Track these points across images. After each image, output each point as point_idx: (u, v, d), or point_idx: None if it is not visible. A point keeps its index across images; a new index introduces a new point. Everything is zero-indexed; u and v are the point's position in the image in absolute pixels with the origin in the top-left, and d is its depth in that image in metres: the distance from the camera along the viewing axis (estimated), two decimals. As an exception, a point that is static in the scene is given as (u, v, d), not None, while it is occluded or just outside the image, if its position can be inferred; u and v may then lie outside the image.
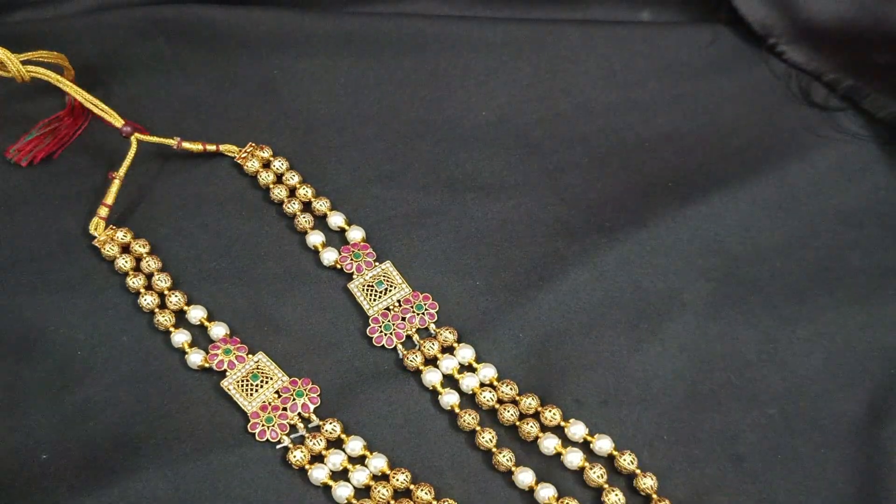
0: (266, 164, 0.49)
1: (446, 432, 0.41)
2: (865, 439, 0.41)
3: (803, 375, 0.43)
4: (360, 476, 0.40)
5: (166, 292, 0.45)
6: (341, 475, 0.40)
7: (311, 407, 0.41)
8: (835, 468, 0.40)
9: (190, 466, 0.39)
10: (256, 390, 0.42)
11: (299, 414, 0.41)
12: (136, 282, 0.45)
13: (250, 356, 0.43)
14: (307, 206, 0.48)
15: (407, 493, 0.39)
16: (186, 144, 0.48)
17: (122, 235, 0.46)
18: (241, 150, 0.49)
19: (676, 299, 0.45)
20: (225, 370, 0.42)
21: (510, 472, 0.40)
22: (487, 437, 0.40)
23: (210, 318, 0.44)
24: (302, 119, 0.51)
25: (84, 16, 0.52)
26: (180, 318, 0.44)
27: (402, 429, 0.41)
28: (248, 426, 0.41)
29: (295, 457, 0.40)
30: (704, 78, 0.54)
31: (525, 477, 0.39)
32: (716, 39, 0.56)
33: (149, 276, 0.45)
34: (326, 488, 0.39)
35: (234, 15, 0.52)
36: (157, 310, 0.44)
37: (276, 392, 0.42)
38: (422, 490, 0.39)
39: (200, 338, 0.44)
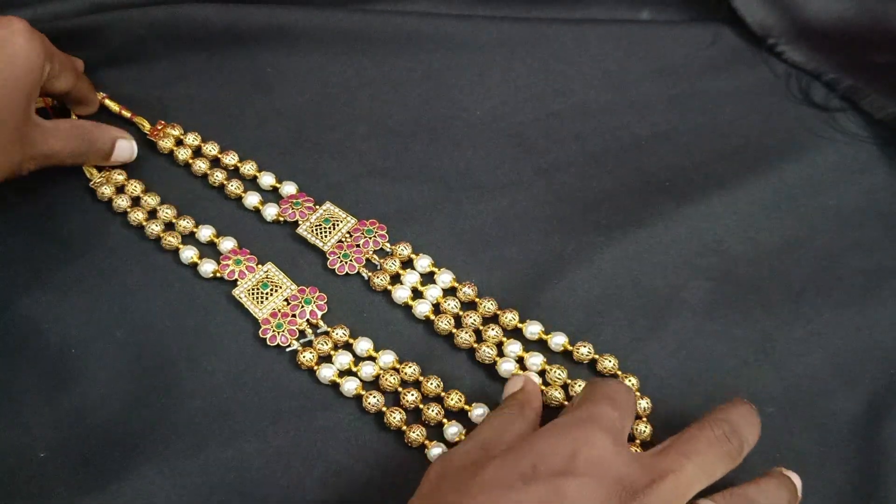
0: (179, 142, 0.51)
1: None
2: (864, 439, 0.42)
3: (801, 375, 0.44)
4: (368, 369, 0.43)
5: (174, 220, 0.48)
6: (349, 373, 0.43)
7: (319, 314, 0.45)
8: (833, 467, 0.41)
9: (187, 462, 0.40)
10: (266, 298, 0.45)
11: (308, 320, 0.45)
12: (138, 215, 0.48)
13: (259, 266, 0.46)
14: (234, 173, 0.51)
15: (416, 384, 0.43)
16: (108, 101, 0.52)
17: (118, 175, 0.49)
18: (152, 128, 0.52)
19: (674, 298, 0.46)
20: (236, 280, 0.46)
21: (494, 364, 0.44)
22: (465, 337, 0.44)
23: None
24: (295, 116, 0.53)
25: (79, 17, 0.53)
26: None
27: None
28: (260, 332, 0.44)
29: (305, 357, 0.43)
30: (703, 77, 0.55)
31: (508, 366, 0.43)
32: (716, 39, 0.57)
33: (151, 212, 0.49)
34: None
35: (227, 13, 0.53)
36: (162, 233, 0.47)
37: (286, 300, 0.45)
38: (431, 382, 0.42)
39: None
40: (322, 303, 0.45)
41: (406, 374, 0.43)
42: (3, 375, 0.43)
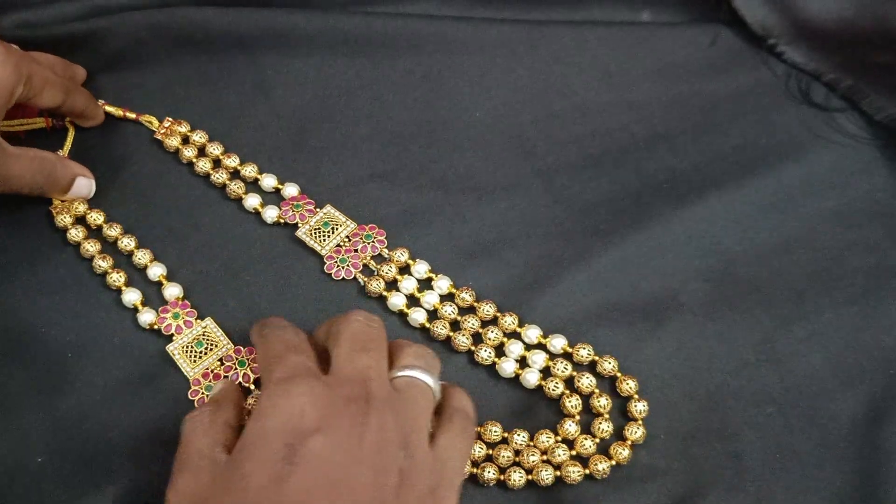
0: (186, 139, 0.52)
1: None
2: (864, 439, 0.42)
3: (801, 375, 0.44)
4: None
5: (135, 251, 0.47)
6: None
7: (252, 377, 0.43)
8: (833, 467, 0.41)
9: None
10: (201, 357, 0.44)
11: (240, 383, 0.43)
12: (91, 247, 0.47)
13: (198, 321, 0.45)
14: (235, 174, 0.51)
15: None
16: (108, 108, 0.52)
17: (77, 206, 0.49)
18: (160, 125, 0.52)
19: (674, 300, 0.46)
20: (172, 334, 0.45)
21: (493, 365, 0.44)
22: (462, 340, 0.44)
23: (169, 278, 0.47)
24: (295, 119, 0.53)
25: (80, 20, 0.53)
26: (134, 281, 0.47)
27: None
28: (189, 393, 0.43)
29: None
30: (702, 78, 0.56)
31: (509, 366, 0.44)
32: (716, 39, 0.57)
33: (112, 243, 0.48)
34: None
35: (228, 15, 0.54)
36: (109, 270, 0.46)
37: (220, 360, 0.44)
38: None
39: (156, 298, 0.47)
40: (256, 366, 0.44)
41: None
42: (0, 379, 0.43)
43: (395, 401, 0.35)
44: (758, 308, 0.46)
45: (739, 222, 0.49)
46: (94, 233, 0.49)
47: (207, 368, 0.44)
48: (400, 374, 0.36)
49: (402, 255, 0.47)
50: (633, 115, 0.54)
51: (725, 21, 0.58)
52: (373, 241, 0.48)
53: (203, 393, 0.43)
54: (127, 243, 0.48)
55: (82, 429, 0.42)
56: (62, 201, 0.49)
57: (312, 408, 0.33)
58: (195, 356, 0.44)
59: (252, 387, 0.43)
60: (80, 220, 0.49)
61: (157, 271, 0.47)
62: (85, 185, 0.49)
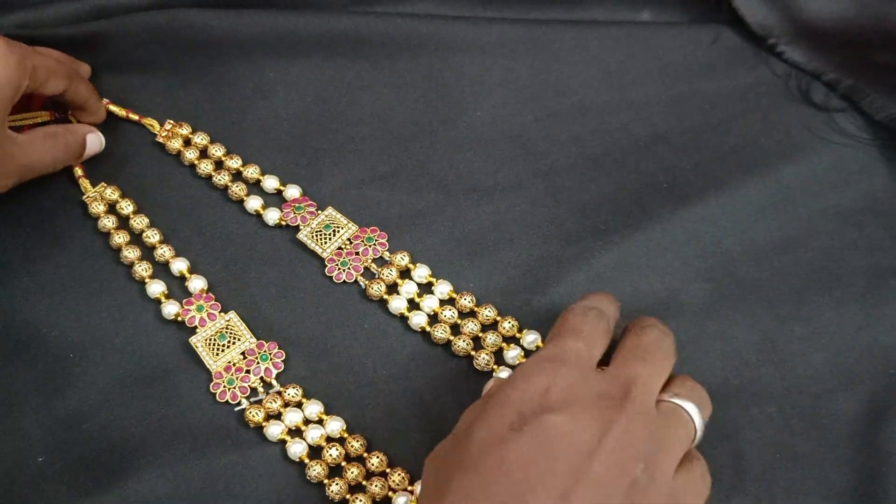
0: (188, 142, 0.52)
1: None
2: (864, 439, 0.42)
3: (802, 375, 0.44)
4: (314, 433, 0.42)
5: (157, 246, 0.48)
6: (297, 433, 0.43)
7: (274, 372, 0.44)
8: (833, 467, 0.41)
9: (189, 466, 0.41)
10: (223, 350, 0.44)
11: (261, 378, 0.44)
12: (119, 238, 0.48)
13: (222, 314, 0.45)
14: (237, 176, 0.51)
15: (360, 459, 0.42)
16: (112, 107, 0.53)
17: (111, 193, 0.49)
18: (161, 128, 0.52)
19: (674, 300, 0.46)
20: (196, 327, 0.45)
21: (491, 372, 0.44)
22: (462, 344, 0.44)
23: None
24: (297, 120, 0.53)
25: (80, 21, 0.54)
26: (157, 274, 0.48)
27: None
28: (211, 386, 0.43)
29: (252, 414, 0.42)
30: (702, 78, 0.55)
31: (505, 375, 0.43)
32: (716, 39, 0.57)
33: (137, 235, 0.48)
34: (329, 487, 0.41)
35: (227, 18, 0.54)
36: (137, 260, 0.47)
37: (242, 353, 0.44)
38: (373, 459, 0.41)
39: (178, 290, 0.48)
40: (279, 360, 0.44)
41: (351, 448, 0.42)
42: (1, 379, 0.44)
43: (652, 417, 0.33)
44: (758, 308, 0.46)
45: (740, 222, 0.49)
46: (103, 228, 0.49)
47: (230, 362, 0.44)
48: (669, 399, 0.35)
49: (402, 259, 0.47)
50: (633, 114, 0.54)
51: (725, 21, 0.58)
52: (374, 244, 0.48)
53: (224, 386, 0.43)
54: (151, 235, 0.48)
55: (83, 429, 0.42)
56: (83, 176, 0.49)
57: (559, 390, 0.32)
58: (217, 349, 0.44)
59: (273, 382, 0.44)
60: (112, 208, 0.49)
61: (180, 266, 0.47)
62: (95, 140, 0.50)
